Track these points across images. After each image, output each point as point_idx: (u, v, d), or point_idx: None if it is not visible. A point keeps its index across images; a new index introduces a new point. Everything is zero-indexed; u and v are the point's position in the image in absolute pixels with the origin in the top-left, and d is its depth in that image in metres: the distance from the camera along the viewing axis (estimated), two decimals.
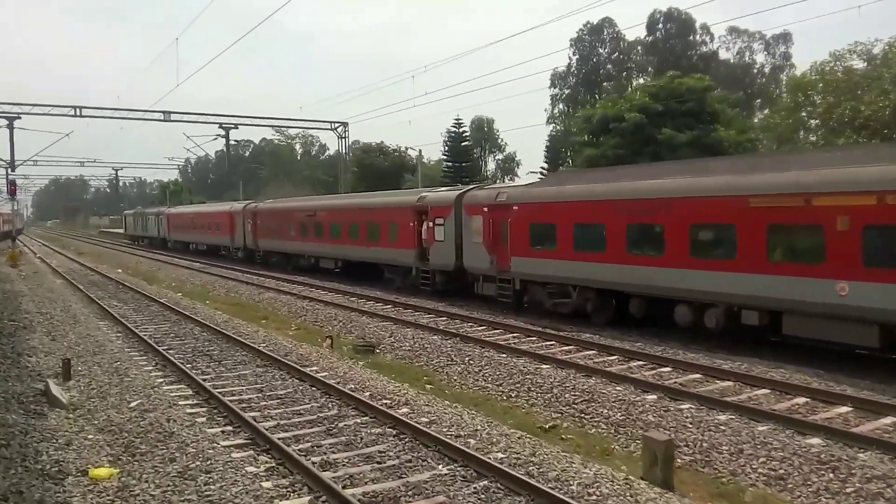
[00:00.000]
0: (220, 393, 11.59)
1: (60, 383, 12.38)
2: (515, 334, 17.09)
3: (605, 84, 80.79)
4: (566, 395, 11.85)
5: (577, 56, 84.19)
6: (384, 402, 11.18)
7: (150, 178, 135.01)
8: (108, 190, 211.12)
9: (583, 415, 11.00)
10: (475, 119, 79.53)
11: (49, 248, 65.76)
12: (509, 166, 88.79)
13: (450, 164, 64.29)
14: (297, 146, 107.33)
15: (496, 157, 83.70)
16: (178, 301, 24.83)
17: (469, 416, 10.54)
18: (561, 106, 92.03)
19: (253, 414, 10.53)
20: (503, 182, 64.14)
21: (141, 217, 68.56)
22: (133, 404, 11.11)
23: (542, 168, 65.52)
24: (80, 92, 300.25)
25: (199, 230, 49.78)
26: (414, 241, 24.52)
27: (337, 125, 45.58)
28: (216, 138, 43.22)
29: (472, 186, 23.98)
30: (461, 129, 69.11)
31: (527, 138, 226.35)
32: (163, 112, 40.84)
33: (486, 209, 20.81)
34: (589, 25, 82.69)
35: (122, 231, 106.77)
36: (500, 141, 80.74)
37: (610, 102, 48.40)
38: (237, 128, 42.64)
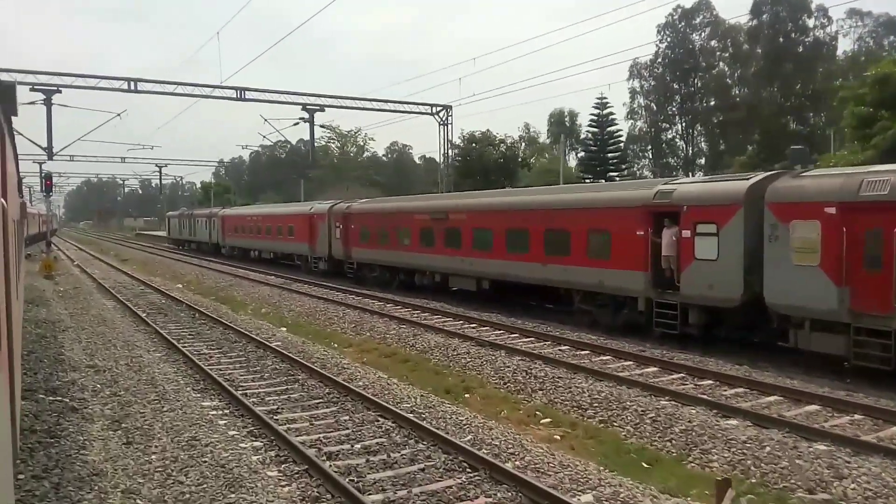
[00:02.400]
0: None
1: None
2: None
3: (702, 74, 71.86)
4: None
5: (667, 43, 75.56)
6: None
7: (184, 179, 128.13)
8: (141, 191, 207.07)
9: None
10: (554, 112, 71.01)
11: (86, 254, 58.66)
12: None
13: (593, 152, 54.02)
14: (334, 146, 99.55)
15: (578, 154, 74.74)
16: (302, 348, 16.71)
17: None
18: (641, 99, 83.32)
19: None
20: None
21: (188, 219, 61.15)
22: None
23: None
24: None
25: (264, 235, 41.98)
26: (643, 257, 16.27)
27: (438, 109, 37.60)
28: (297, 123, 35.25)
29: (775, 172, 15.48)
30: (605, 111, 60.12)
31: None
32: (236, 89, 33.02)
33: (832, 210, 12.46)
34: (680, 10, 74.02)
35: (161, 234, 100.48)
36: (582, 136, 71.64)
37: None
38: (324, 110, 34.76)
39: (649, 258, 16.17)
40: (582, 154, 56.80)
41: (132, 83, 30.58)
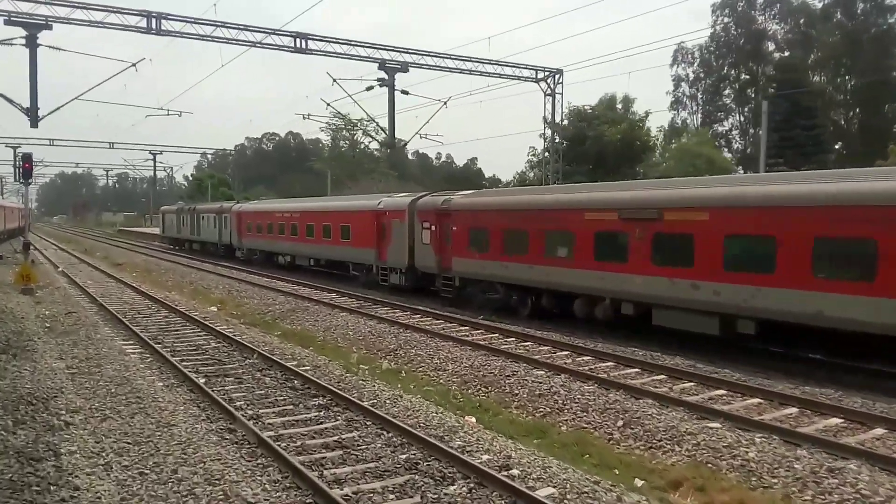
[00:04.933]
0: None
1: None
2: None
3: (776, 54, 63.74)
4: None
5: (726, 24, 67.67)
6: None
7: (174, 170, 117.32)
8: (118, 185, 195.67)
9: None
10: (604, 97, 62.52)
11: (68, 254, 49.38)
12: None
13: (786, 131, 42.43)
14: (326, 137, 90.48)
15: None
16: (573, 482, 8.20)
17: None
18: (685, 87, 75.02)
19: None
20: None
21: (190, 215, 51.99)
22: None
23: None
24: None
25: (301, 237, 33.22)
26: None
27: (545, 74, 29.19)
28: (372, 87, 26.11)
29: None
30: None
31: None
32: (294, 35, 24.12)
33: None
34: None
35: (147, 231, 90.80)
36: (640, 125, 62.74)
37: None
38: (407, 70, 25.87)
39: None
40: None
41: (154, 20, 21.53)
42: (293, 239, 34.29)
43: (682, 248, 14.75)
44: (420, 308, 21.18)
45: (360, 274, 28.91)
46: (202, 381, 12.18)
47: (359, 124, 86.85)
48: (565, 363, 13.83)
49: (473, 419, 10.64)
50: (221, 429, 9.67)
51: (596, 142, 37.78)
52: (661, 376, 12.80)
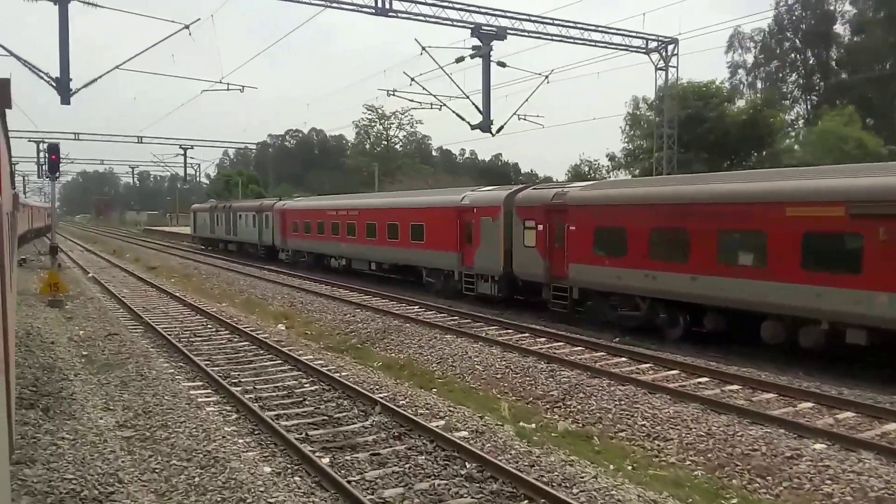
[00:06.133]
0: None
1: None
2: None
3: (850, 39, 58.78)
4: None
5: (788, 6, 62.70)
6: None
7: (201, 166, 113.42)
8: (138, 184, 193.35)
9: None
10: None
11: (95, 256, 45.92)
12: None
13: None
14: (352, 133, 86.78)
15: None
16: None
17: None
18: (742, 75, 69.36)
19: None
20: None
21: (225, 214, 48.26)
22: None
23: None
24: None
25: (362, 238, 29.17)
26: None
27: (658, 44, 24.90)
28: (463, 58, 21.67)
29: None
30: None
31: None
32: None
33: None
34: None
35: (174, 231, 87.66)
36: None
37: None
38: (504, 38, 21.56)
39: None
40: None
41: None
42: (350, 240, 30.31)
43: None
44: (530, 326, 17.18)
45: (435, 281, 24.89)
46: (326, 461, 8.20)
47: (392, 117, 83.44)
48: None
49: None
50: None
51: (717, 123, 33.05)
52: None
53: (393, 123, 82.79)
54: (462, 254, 22.93)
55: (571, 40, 23.74)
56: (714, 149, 32.89)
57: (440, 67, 19.44)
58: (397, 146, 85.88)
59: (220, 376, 12.12)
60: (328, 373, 12.48)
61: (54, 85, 15.43)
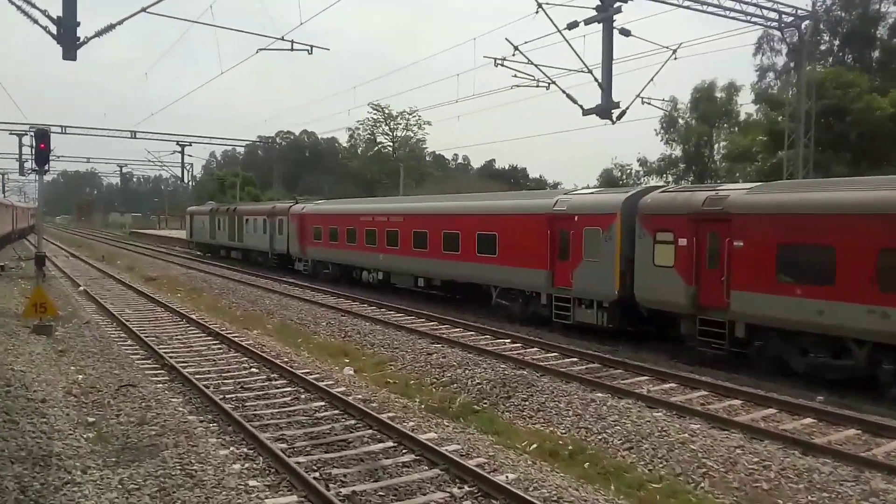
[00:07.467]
0: None
1: None
2: None
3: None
4: None
5: (826, 6, 58.88)
6: None
7: (193, 166, 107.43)
8: (119, 184, 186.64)
9: None
10: (699, 87, 53.73)
11: (84, 263, 40.88)
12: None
13: None
14: (384, 129, 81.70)
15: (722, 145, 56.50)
16: None
17: None
18: (771, 78, 65.05)
19: None
20: None
21: (228, 217, 43.30)
22: None
23: None
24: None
25: (407, 249, 24.52)
26: None
27: (791, 18, 20.54)
28: (577, 24, 17.27)
29: None
30: None
31: None
32: None
33: None
34: None
35: (159, 233, 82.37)
36: (736, 118, 53.19)
37: None
38: (622, 10, 17.44)
39: None
40: None
41: None
42: (391, 250, 25.69)
43: None
44: (693, 377, 12.71)
45: (510, 304, 20.37)
46: None
47: (399, 118, 78.74)
48: None
49: None
50: None
51: (863, 117, 28.43)
52: None
53: (400, 124, 78.28)
54: (553, 272, 18.45)
55: (702, 9, 19.34)
56: (857, 148, 28.55)
57: (558, 31, 14.93)
58: (387, 150, 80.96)
59: (301, 467, 7.52)
60: (477, 470, 7.91)
61: (57, 31, 10.71)
